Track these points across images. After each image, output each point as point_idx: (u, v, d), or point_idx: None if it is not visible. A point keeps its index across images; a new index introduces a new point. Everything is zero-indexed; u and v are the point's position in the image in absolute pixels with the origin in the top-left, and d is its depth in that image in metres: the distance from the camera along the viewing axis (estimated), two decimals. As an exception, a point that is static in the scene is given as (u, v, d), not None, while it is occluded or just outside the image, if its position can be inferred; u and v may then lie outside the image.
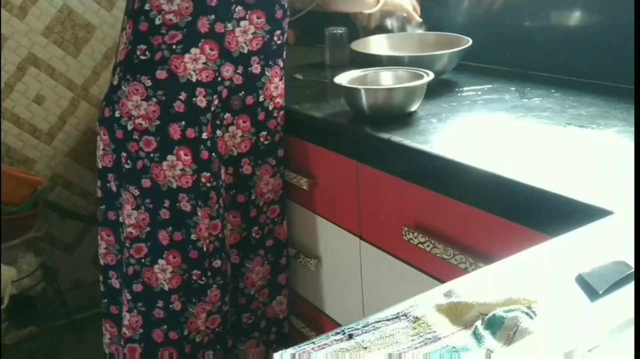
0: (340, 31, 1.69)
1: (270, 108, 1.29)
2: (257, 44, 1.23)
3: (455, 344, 0.49)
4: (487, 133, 1.09)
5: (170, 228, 1.21)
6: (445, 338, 0.50)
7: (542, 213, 0.84)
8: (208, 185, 1.22)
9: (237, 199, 1.33)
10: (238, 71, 1.23)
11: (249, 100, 1.26)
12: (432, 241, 1.02)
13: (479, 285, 0.58)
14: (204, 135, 1.20)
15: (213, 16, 1.17)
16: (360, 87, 1.18)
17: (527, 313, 0.51)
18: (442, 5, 1.69)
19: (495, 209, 0.91)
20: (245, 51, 1.22)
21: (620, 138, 1.00)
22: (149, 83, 1.18)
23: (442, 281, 0.87)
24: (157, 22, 1.17)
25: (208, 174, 1.22)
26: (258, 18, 1.21)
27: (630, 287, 0.55)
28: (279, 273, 1.43)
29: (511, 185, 0.87)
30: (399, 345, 0.49)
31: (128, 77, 1.19)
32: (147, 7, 1.18)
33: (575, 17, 1.37)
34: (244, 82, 1.24)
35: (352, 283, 1.28)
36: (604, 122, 1.07)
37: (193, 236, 1.22)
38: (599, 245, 0.65)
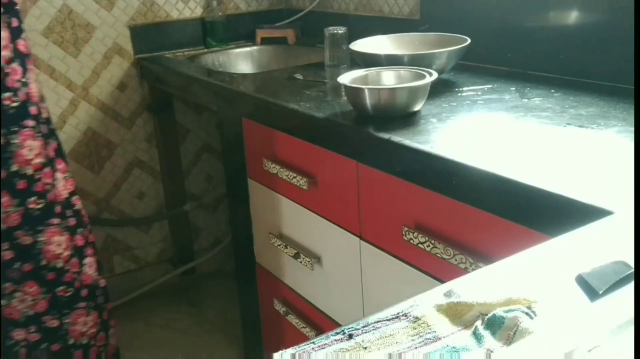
0: (340, 31, 1.69)
1: (30, 172, 1.27)
2: None
3: (455, 344, 0.49)
4: (487, 133, 1.09)
5: None
6: (445, 338, 0.50)
7: (542, 213, 0.84)
8: None
9: (25, 269, 1.32)
10: None
11: (2, 174, 1.24)
12: (432, 241, 1.02)
13: (479, 285, 0.58)
14: None
15: None
16: (363, 86, 1.18)
17: (527, 313, 0.51)
18: (442, 5, 1.69)
19: (495, 209, 0.91)
20: None
21: (620, 138, 1.00)
22: None
23: (442, 281, 0.87)
24: None
25: None
26: None
27: (630, 287, 0.55)
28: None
29: (511, 185, 0.87)
30: (399, 345, 0.49)
31: None
32: None
33: (575, 17, 1.37)
34: None
35: (352, 283, 1.28)
36: (604, 122, 1.07)
37: None
38: (599, 245, 0.65)
